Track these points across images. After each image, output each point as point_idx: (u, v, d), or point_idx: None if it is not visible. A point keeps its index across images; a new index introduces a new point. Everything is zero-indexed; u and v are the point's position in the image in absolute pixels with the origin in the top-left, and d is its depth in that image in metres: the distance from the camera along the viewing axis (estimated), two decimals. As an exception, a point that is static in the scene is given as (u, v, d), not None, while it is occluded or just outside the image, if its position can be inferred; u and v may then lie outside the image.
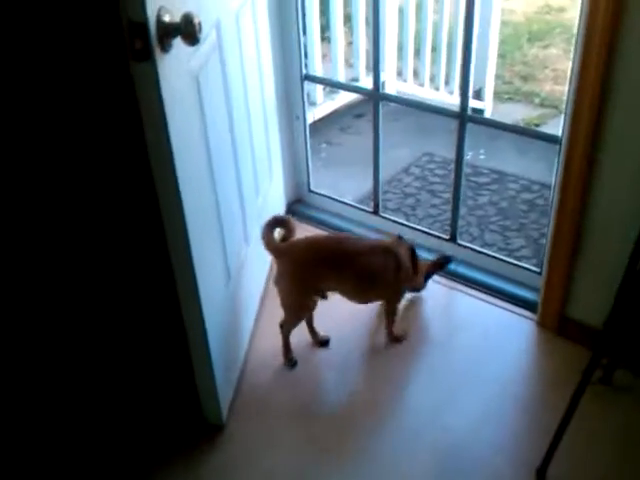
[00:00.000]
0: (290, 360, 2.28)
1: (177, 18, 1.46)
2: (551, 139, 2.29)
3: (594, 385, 1.86)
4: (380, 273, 2.24)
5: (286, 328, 2.27)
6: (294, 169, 2.99)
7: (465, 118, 2.48)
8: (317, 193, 3.05)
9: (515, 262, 2.66)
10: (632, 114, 1.93)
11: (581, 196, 2.09)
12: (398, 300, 2.36)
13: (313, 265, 2.16)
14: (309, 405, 2.18)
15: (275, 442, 2.05)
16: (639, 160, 1.96)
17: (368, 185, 3.30)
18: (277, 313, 2.28)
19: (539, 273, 2.50)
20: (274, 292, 2.50)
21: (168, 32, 1.45)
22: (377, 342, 2.41)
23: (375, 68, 2.66)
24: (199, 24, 1.47)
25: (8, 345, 2.01)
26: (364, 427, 2.09)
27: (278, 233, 2.20)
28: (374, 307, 2.49)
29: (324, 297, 2.25)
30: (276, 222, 2.18)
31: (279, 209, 2.88)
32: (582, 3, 1.92)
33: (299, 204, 3.05)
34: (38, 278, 2.00)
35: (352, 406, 2.17)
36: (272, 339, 2.33)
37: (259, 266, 2.47)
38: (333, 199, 3.03)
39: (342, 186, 3.35)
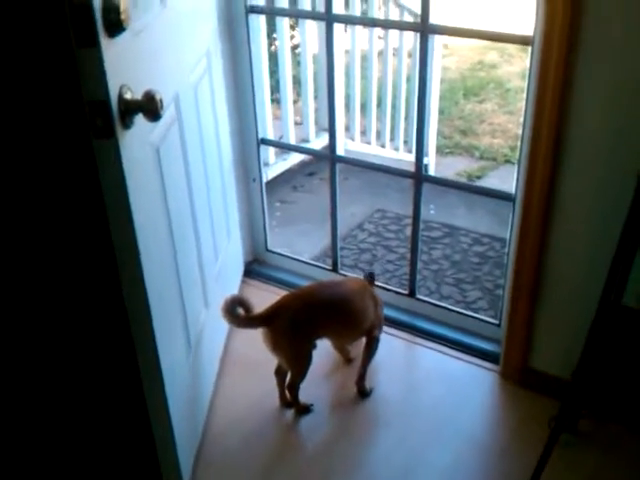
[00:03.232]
0: (307, 408, 2.32)
1: (138, 95, 1.48)
2: (506, 197, 2.37)
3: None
4: (365, 311, 2.34)
5: (296, 387, 2.28)
6: (251, 229, 3.01)
7: (422, 178, 2.55)
8: (274, 252, 3.06)
9: (473, 315, 2.71)
10: (585, 171, 2.01)
11: (538, 251, 2.16)
12: (381, 329, 2.44)
13: (307, 317, 2.19)
14: (274, 469, 2.15)
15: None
16: (595, 213, 2.04)
17: (324, 242, 3.35)
18: (236, 377, 2.31)
19: (497, 325, 2.55)
20: (234, 355, 2.50)
21: (130, 109, 1.47)
22: (342, 400, 2.40)
23: (331, 131, 2.72)
24: (161, 101, 1.49)
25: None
26: (335, 491, 2.07)
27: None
28: (338, 363, 2.50)
29: (315, 347, 2.27)
30: (233, 303, 2.15)
31: (238, 270, 2.89)
32: (531, 62, 2.02)
33: (257, 264, 3.06)
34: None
35: (322, 468, 2.14)
36: (232, 403, 2.33)
37: (218, 328, 2.45)
38: (291, 258, 3.05)
39: (298, 244, 3.38)
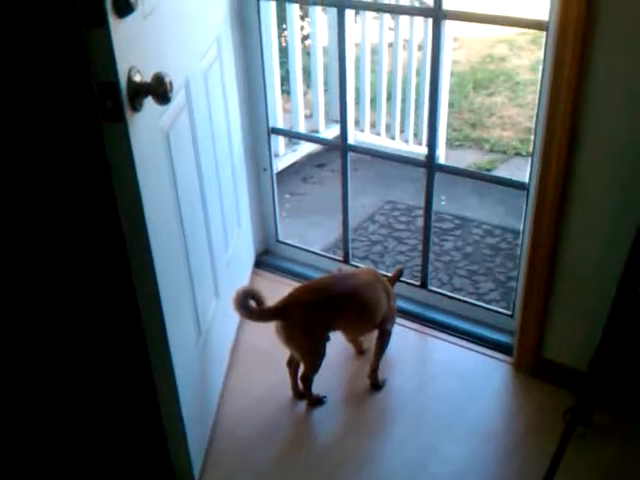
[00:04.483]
0: (319, 399, 2.30)
1: (148, 78, 1.46)
2: (519, 187, 2.33)
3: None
4: (378, 303, 2.31)
5: (309, 379, 2.26)
6: (262, 220, 2.99)
7: (434, 167, 2.52)
8: (285, 243, 3.04)
9: (486, 306, 2.68)
10: (600, 159, 1.98)
11: (553, 240, 2.12)
12: (394, 322, 2.41)
13: (320, 309, 2.17)
14: (286, 460, 2.13)
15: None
16: (611, 202, 2.01)
17: (334, 234, 3.32)
18: (246, 368, 2.29)
19: (510, 316, 2.52)
20: (245, 347, 2.47)
21: (139, 92, 1.44)
22: (354, 391, 2.38)
23: (342, 119, 2.69)
24: (170, 84, 1.46)
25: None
26: (345, 482, 2.04)
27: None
28: (350, 354, 2.48)
29: (328, 339, 2.24)
30: (245, 295, 2.11)
31: (249, 260, 2.87)
32: (546, 49, 1.99)
33: (268, 255, 3.04)
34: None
35: (333, 460, 2.12)
36: (242, 394, 2.31)
37: (228, 319, 2.43)
38: (302, 249, 3.02)
39: (309, 236, 3.35)
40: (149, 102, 1.49)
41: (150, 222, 1.55)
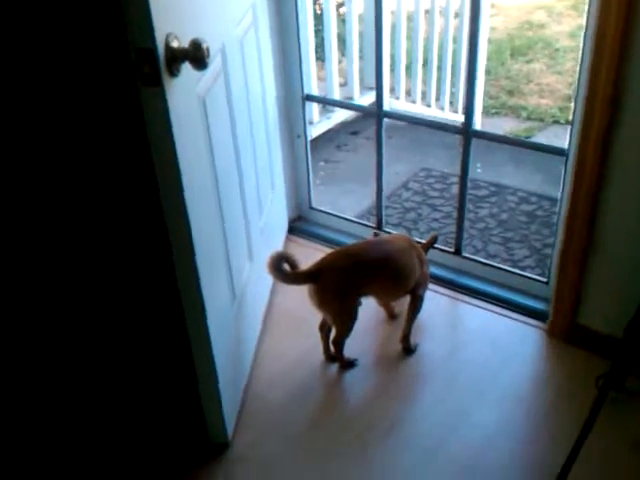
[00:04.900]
0: (351, 362, 2.34)
1: (185, 44, 1.48)
2: (558, 152, 2.31)
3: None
4: (411, 269, 2.32)
5: (341, 343, 2.29)
6: (295, 187, 3.01)
7: (470, 134, 2.50)
8: (318, 210, 3.06)
9: (521, 272, 2.67)
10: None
11: (591, 209, 2.11)
12: (426, 288, 2.43)
13: (353, 274, 2.19)
14: (317, 422, 2.17)
15: (283, 461, 2.03)
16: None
17: (367, 201, 3.33)
18: (279, 332, 2.35)
19: (546, 282, 2.51)
20: (278, 310, 2.48)
21: (176, 58, 1.46)
22: (385, 355, 2.41)
23: (378, 86, 2.68)
24: (207, 49, 1.48)
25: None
26: (377, 445, 2.08)
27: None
28: (382, 318, 2.51)
29: (360, 303, 2.27)
30: (279, 259, 2.13)
31: (282, 226, 2.90)
32: (588, 17, 1.97)
33: (300, 221, 3.06)
34: (43, 294, 2.00)
35: (364, 423, 2.15)
36: (275, 358, 2.35)
37: (262, 283, 2.47)
38: (335, 215, 3.04)
39: (342, 203, 3.37)
40: (186, 68, 1.51)
41: (187, 187, 1.58)
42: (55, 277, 1.95)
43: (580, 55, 2.09)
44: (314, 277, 2.17)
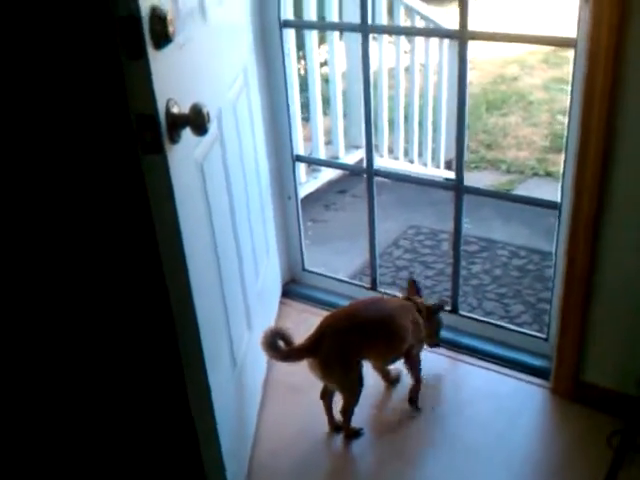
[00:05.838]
0: (357, 432, 2.25)
1: (185, 109, 1.45)
2: (551, 206, 2.31)
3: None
4: (408, 329, 2.26)
5: (350, 411, 2.21)
6: (287, 250, 2.97)
7: (462, 190, 2.49)
8: (311, 272, 3.01)
9: (519, 330, 2.64)
10: (637, 177, 1.96)
11: (589, 260, 2.09)
12: (421, 347, 2.38)
13: (355, 338, 2.13)
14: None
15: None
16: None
17: (359, 260, 3.29)
18: (280, 402, 2.29)
19: (545, 339, 2.48)
20: (276, 378, 2.41)
21: (177, 123, 1.43)
22: (387, 419, 2.34)
23: (367, 144, 2.68)
24: (207, 114, 1.46)
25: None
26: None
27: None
28: (379, 382, 2.44)
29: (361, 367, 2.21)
30: (273, 336, 2.07)
31: (276, 290, 2.84)
32: (575, 67, 2.00)
33: (294, 284, 3.01)
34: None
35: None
36: (278, 428, 2.27)
37: (260, 352, 2.39)
38: (328, 277, 2.99)
39: (333, 263, 3.32)
40: (185, 133, 1.48)
41: (189, 255, 1.53)
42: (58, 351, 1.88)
43: (568, 107, 2.10)
44: (313, 350, 2.09)
